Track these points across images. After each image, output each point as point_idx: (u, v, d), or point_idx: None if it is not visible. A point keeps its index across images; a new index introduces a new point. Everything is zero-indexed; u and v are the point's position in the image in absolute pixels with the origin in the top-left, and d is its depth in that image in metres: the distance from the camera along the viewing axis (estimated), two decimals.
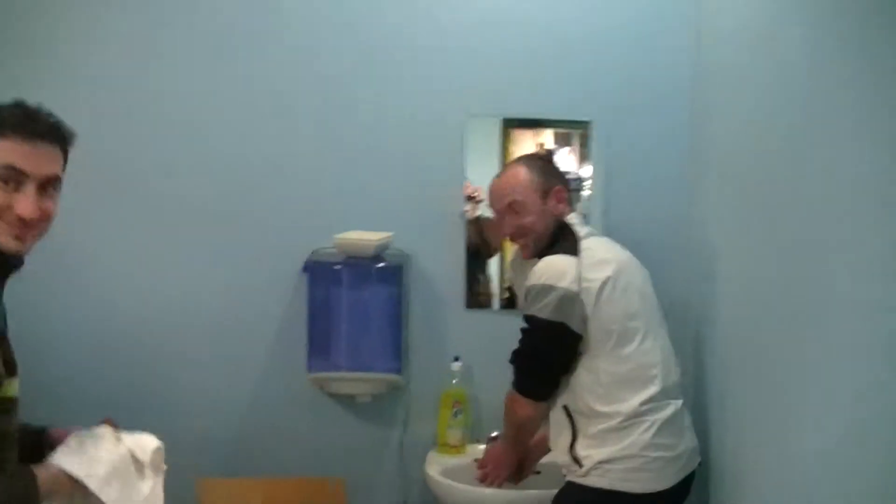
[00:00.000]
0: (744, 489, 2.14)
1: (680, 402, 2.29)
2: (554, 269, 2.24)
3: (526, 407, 2.31)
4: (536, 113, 2.94)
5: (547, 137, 2.92)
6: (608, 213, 2.93)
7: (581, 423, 2.27)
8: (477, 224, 2.92)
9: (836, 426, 1.63)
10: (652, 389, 2.22)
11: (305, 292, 2.87)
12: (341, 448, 3.00)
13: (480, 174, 2.85)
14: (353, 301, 2.83)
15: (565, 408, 2.30)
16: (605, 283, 2.22)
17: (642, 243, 2.66)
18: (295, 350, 2.92)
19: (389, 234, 2.87)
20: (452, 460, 2.80)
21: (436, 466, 2.75)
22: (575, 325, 2.22)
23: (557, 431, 2.33)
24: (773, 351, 1.94)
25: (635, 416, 2.21)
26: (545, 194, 2.37)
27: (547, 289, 2.21)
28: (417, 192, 2.95)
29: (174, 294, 2.95)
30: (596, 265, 2.25)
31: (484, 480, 2.53)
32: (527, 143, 2.91)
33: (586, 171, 2.94)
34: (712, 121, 2.61)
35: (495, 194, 2.45)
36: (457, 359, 2.91)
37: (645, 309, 2.29)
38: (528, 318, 2.26)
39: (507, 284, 2.88)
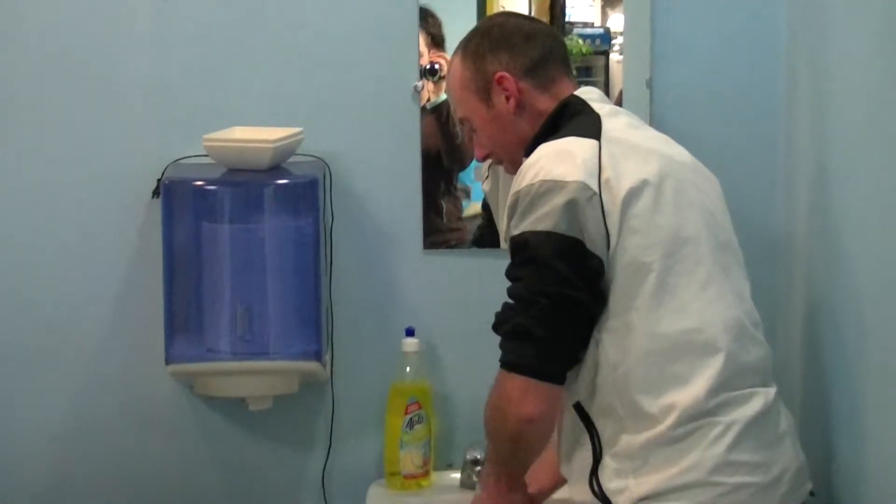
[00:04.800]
0: None
1: (772, 390, 2.06)
2: (561, 155, 2.04)
3: (525, 400, 2.03)
4: None
5: None
6: (654, 89, 2.70)
7: (608, 431, 2.05)
8: (440, 115, 2.72)
9: None
10: (724, 368, 2.01)
11: (159, 230, 2.62)
12: (226, 485, 2.81)
13: (448, 31, 2.66)
14: (238, 243, 2.64)
15: (578, 407, 2.08)
16: (642, 187, 2.02)
17: (711, 141, 2.53)
18: (145, 327, 2.70)
19: (297, 130, 2.64)
20: (411, 499, 2.66)
21: None
22: (596, 246, 2.00)
23: (569, 448, 2.13)
24: None
25: (699, 416, 1.97)
26: (486, 93, 2.22)
27: (550, 187, 2.01)
28: (341, 60, 2.72)
29: None
30: (629, 155, 2.06)
31: None
32: None
33: (616, 21, 2.73)
34: None
35: None
36: (410, 333, 2.69)
37: (712, 237, 2.08)
38: (516, 244, 2.05)
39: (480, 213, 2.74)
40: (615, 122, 2.13)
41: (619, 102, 2.69)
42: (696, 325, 2.01)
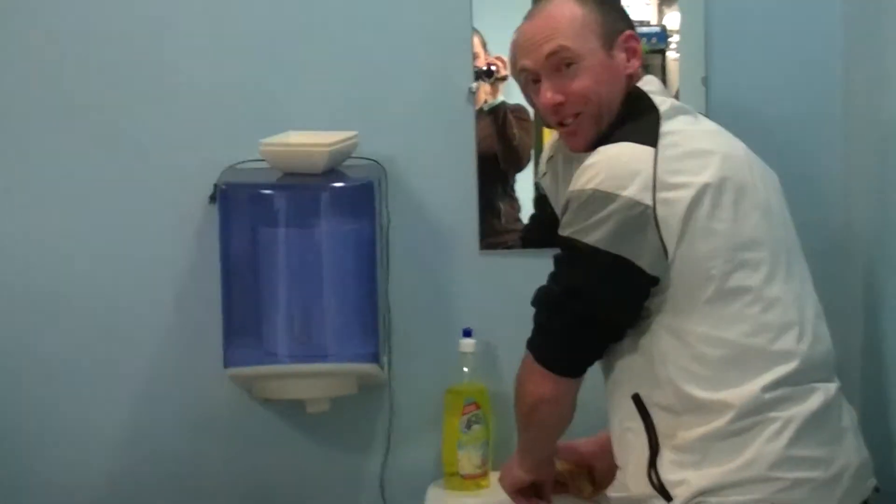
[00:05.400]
0: None
1: (833, 385, 2.05)
2: (616, 165, 2.02)
3: (541, 381, 2.14)
4: None
5: None
6: (710, 87, 2.68)
7: (665, 423, 2.05)
8: (497, 117, 2.70)
9: None
10: (785, 367, 1.99)
11: (216, 235, 2.60)
12: (285, 487, 2.81)
13: (501, 33, 2.48)
14: (295, 246, 2.63)
15: (637, 399, 2.08)
16: (701, 194, 2.00)
17: (767, 138, 2.43)
18: (203, 332, 2.70)
19: (352, 133, 2.62)
20: (469, 500, 2.64)
21: None
22: (645, 262, 2.00)
23: (626, 441, 2.12)
24: None
25: (757, 412, 1.97)
26: (610, 41, 2.16)
27: (601, 198, 2.00)
28: (396, 63, 2.70)
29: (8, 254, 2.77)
30: (687, 161, 2.04)
31: None
32: None
33: (672, 20, 2.69)
34: None
35: (527, 42, 2.19)
36: (468, 334, 2.68)
37: (772, 233, 2.07)
38: (565, 243, 2.07)
39: (534, 211, 2.72)
40: (674, 122, 2.11)
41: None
42: (757, 329, 2.01)
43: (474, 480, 2.62)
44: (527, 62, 2.18)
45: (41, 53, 2.70)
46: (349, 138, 2.60)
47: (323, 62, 2.69)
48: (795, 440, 1.97)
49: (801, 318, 2.06)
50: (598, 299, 2.04)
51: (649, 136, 2.04)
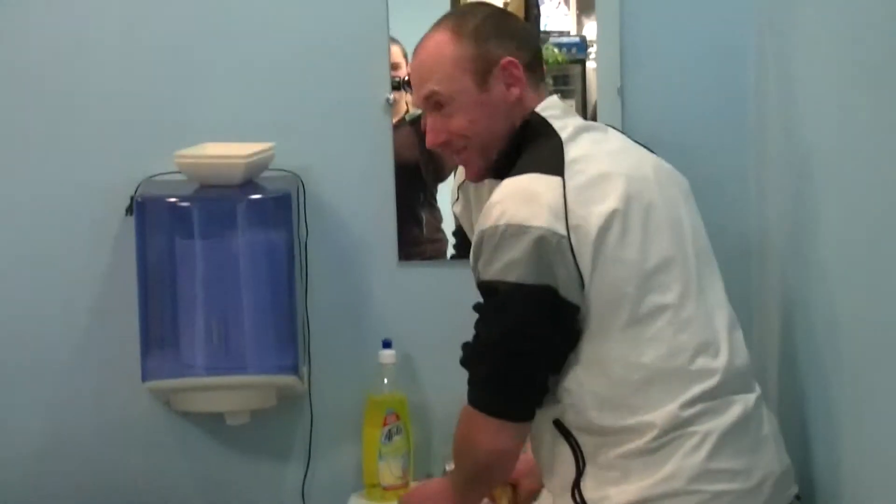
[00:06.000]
0: None
1: (752, 395, 2.05)
2: (525, 197, 2.00)
3: (495, 435, 2.06)
4: None
5: None
6: (625, 97, 2.66)
7: (588, 444, 2.03)
8: (419, 126, 2.59)
9: None
10: (704, 384, 1.99)
11: (133, 248, 2.61)
12: (206, 500, 2.80)
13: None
14: (212, 258, 2.64)
15: (558, 424, 2.06)
16: (610, 220, 2.00)
17: (683, 146, 2.47)
18: (121, 344, 2.69)
19: (269, 144, 2.64)
20: None
21: None
22: (565, 291, 1.98)
23: (551, 461, 2.10)
24: None
25: (677, 427, 1.97)
26: (484, 75, 2.11)
27: (515, 232, 1.98)
28: (312, 74, 2.70)
29: None
30: (593, 187, 2.02)
31: None
32: None
33: (591, 30, 2.68)
34: None
35: (412, 80, 2.21)
36: (387, 345, 2.68)
37: (682, 250, 2.07)
38: (486, 289, 2.03)
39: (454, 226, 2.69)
40: (577, 146, 2.09)
41: (594, 112, 2.67)
42: (673, 350, 2.02)
43: (395, 491, 2.60)
44: (415, 100, 2.22)
45: None
46: (266, 150, 2.59)
47: (240, 73, 2.68)
48: (714, 453, 1.99)
49: (717, 333, 2.07)
50: (538, 333, 2.01)
51: (554, 165, 2.03)
